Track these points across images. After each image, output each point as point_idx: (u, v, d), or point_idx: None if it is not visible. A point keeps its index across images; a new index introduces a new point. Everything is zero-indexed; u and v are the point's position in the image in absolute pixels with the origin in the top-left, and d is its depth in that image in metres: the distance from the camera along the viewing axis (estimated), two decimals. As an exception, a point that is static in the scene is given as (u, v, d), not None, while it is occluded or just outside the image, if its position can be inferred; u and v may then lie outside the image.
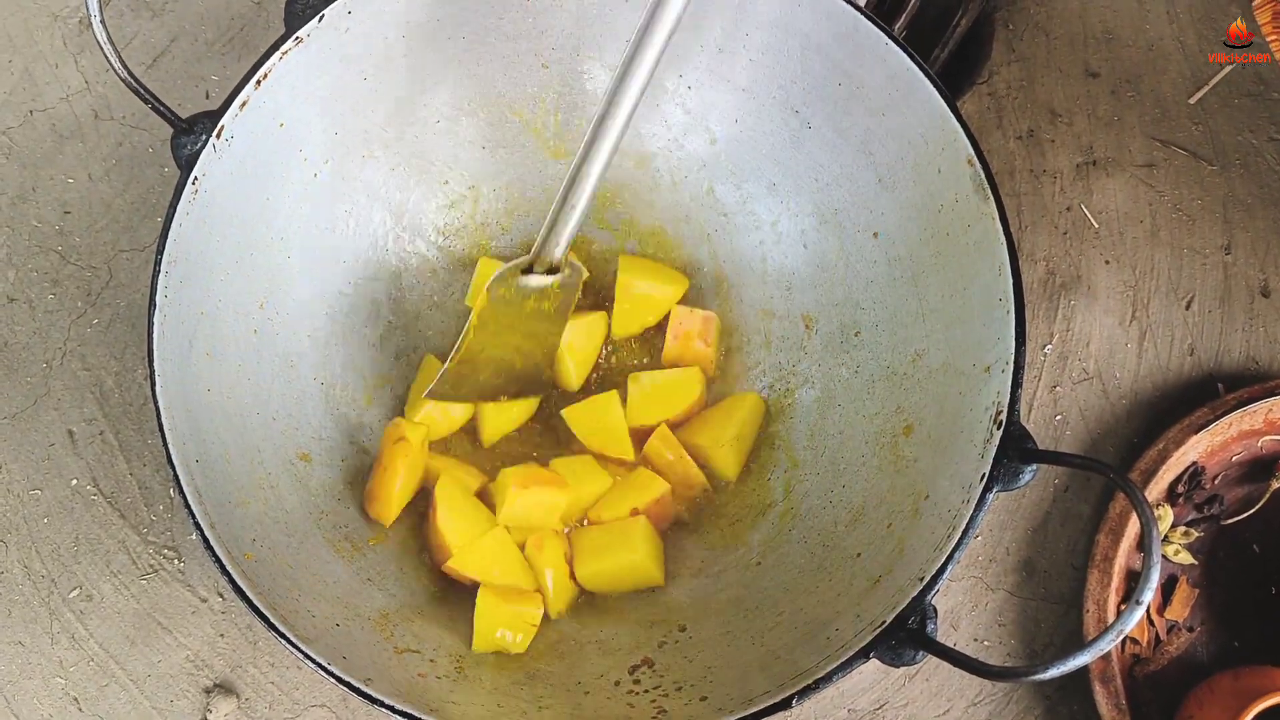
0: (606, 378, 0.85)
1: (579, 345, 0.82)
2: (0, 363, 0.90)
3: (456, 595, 0.75)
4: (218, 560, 0.63)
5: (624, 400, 0.81)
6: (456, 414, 0.81)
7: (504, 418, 0.82)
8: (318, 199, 0.78)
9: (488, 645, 0.72)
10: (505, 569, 0.75)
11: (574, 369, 0.82)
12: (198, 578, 0.85)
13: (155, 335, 0.67)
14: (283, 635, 0.61)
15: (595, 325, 0.84)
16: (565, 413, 0.81)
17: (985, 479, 0.63)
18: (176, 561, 0.85)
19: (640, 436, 0.81)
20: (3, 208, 0.93)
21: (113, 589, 0.85)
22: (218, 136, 0.69)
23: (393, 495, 0.76)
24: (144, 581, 0.85)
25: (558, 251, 0.74)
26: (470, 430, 0.83)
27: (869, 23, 0.70)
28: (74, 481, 0.87)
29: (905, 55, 0.70)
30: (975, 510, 0.63)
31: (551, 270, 0.75)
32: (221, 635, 0.84)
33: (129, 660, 0.83)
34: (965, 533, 0.63)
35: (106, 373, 0.89)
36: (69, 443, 0.88)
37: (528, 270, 0.75)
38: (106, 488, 0.87)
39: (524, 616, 0.73)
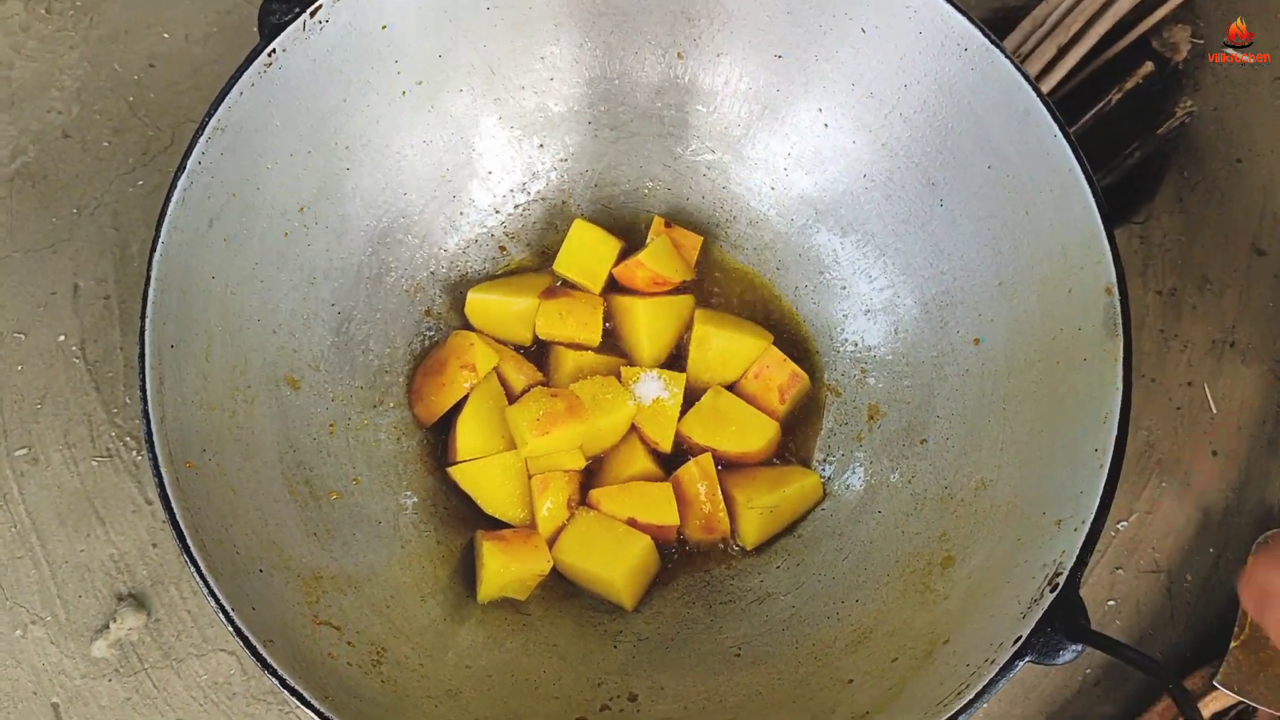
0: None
1: (658, 323, 0.76)
2: (34, 194, 0.84)
3: (407, 573, 0.67)
4: (153, 455, 0.56)
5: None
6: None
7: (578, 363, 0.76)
8: (398, 119, 0.71)
9: (493, 590, 0.69)
10: (503, 499, 0.72)
11: (647, 343, 0.75)
12: (150, 477, 0.77)
13: (175, 199, 0.60)
14: (192, 559, 0.54)
15: (681, 306, 0.77)
16: (625, 370, 0.74)
17: (1020, 643, 0.54)
18: (135, 454, 0.78)
19: (684, 441, 0.75)
20: (91, 42, 0.88)
21: (61, 460, 0.78)
22: (311, 15, 0.63)
23: (442, 401, 0.74)
24: (95, 463, 0.78)
25: None
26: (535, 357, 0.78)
27: (1044, 109, 0.62)
28: (61, 338, 0.81)
29: (1074, 156, 0.62)
30: (998, 675, 0.54)
31: None
32: (154, 545, 0.76)
33: (52, 539, 0.76)
34: (979, 696, 0.54)
35: (134, 238, 0.83)
36: (71, 296, 0.82)
37: None
38: (92, 354, 0.80)
39: (530, 570, 0.69)
